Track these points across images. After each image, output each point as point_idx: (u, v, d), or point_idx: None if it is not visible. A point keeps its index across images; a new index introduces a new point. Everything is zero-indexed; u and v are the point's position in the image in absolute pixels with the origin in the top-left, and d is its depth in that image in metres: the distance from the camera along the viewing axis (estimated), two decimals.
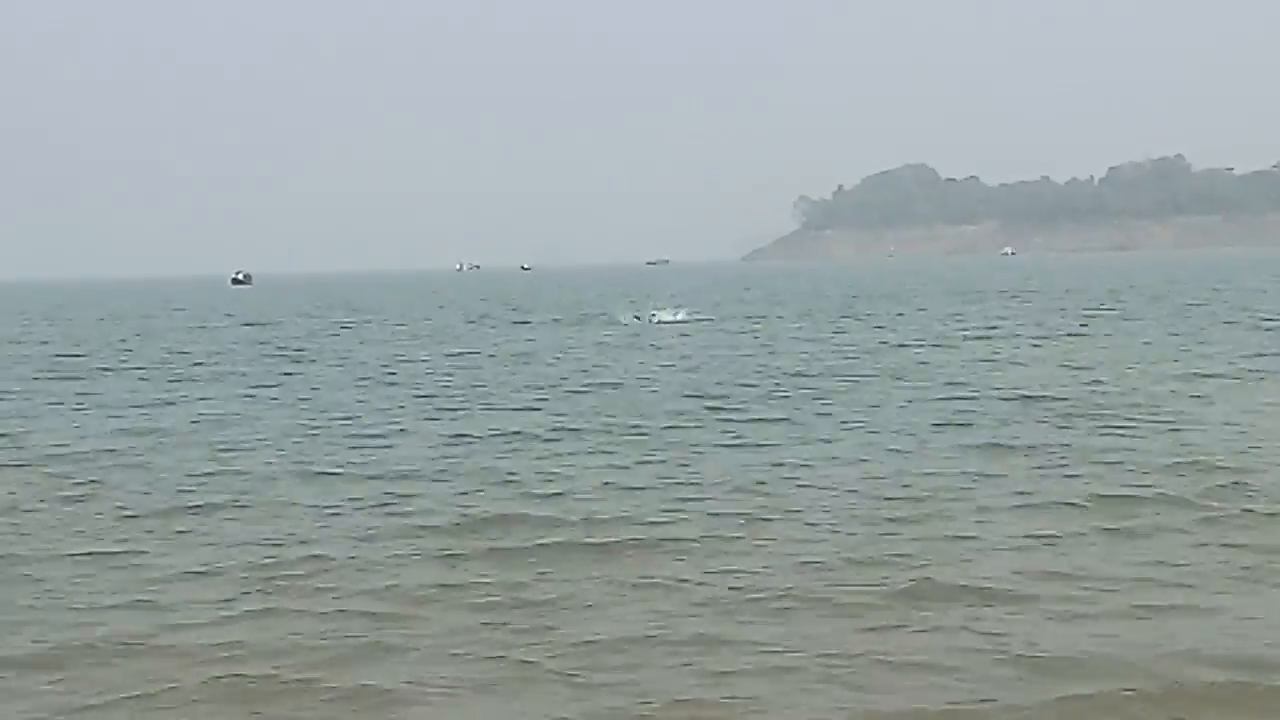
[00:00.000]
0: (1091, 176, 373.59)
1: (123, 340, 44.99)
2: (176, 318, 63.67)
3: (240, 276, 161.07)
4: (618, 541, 10.95)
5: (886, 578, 9.64)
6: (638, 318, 48.21)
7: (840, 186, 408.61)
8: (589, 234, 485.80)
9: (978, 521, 11.43)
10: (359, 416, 20.14)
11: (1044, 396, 20.19)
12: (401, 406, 21.53)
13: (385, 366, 30.11)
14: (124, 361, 33.89)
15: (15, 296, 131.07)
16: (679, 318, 46.61)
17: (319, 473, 14.82)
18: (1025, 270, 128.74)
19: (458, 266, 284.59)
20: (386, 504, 12.89)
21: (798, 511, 12.00)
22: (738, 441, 16.45)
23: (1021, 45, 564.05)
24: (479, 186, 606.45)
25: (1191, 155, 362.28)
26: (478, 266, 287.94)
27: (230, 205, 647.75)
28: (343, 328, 50.76)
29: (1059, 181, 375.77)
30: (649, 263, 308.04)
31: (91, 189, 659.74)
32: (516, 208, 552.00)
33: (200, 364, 32.03)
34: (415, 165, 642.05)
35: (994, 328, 38.37)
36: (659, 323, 45.65)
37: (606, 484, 13.64)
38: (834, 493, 12.88)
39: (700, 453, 15.55)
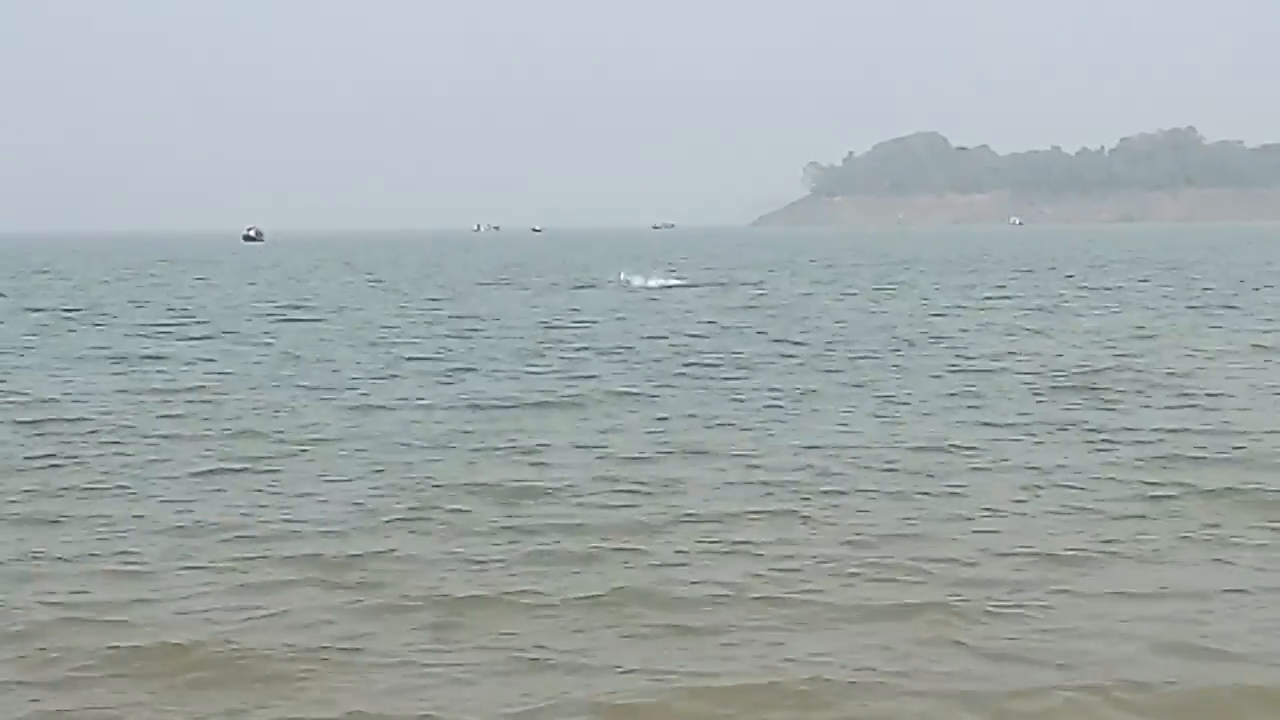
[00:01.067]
0: (1102, 147, 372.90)
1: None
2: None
3: (252, 233, 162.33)
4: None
5: None
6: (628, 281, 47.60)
7: (851, 153, 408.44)
8: (599, 197, 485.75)
9: None
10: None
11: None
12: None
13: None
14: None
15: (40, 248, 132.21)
16: (663, 283, 45.87)
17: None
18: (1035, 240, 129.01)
19: (476, 227, 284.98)
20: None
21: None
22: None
23: (1035, 14, 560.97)
24: (492, 142, 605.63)
25: (1204, 127, 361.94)
26: (497, 228, 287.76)
27: (244, 159, 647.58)
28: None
29: (1070, 152, 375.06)
30: (654, 227, 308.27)
31: (109, 141, 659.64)
32: (528, 170, 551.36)
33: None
34: (428, 124, 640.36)
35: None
36: (640, 287, 44.88)
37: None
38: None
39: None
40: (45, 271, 67.23)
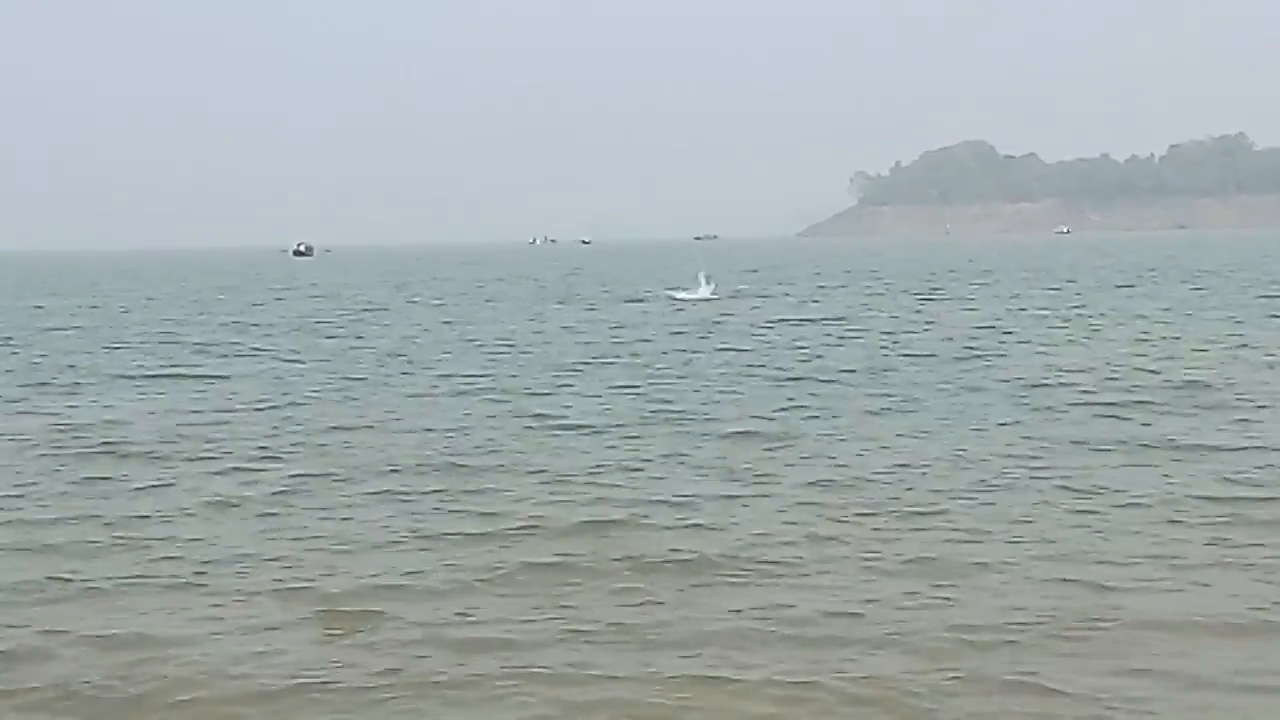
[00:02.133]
0: (1152, 154, 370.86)
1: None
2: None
3: (301, 248, 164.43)
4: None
5: None
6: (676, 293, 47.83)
7: (898, 162, 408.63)
8: (648, 209, 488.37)
9: None
10: None
11: None
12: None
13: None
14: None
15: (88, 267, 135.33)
16: (707, 295, 46.24)
17: None
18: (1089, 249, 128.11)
19: (532, 240, 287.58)
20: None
21: None
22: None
23: (1082, 21, 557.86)
24: (539, 157, 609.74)
25: (1254, 133, 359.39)
26: (554, 240, 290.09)
27: (294, 175, 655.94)
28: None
29: (1119, 159, 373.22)
30: (696, 238, 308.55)
31: (153, 162, 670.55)
32: (575, 183, 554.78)
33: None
34: (477, 139, 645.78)
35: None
36: (686, 299, 45.33)
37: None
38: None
39: None
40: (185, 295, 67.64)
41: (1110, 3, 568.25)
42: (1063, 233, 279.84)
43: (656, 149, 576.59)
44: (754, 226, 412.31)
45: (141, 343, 32.41)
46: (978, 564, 10.09)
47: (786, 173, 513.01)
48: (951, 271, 75.23)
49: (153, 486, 13.56)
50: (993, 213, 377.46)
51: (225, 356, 28.43)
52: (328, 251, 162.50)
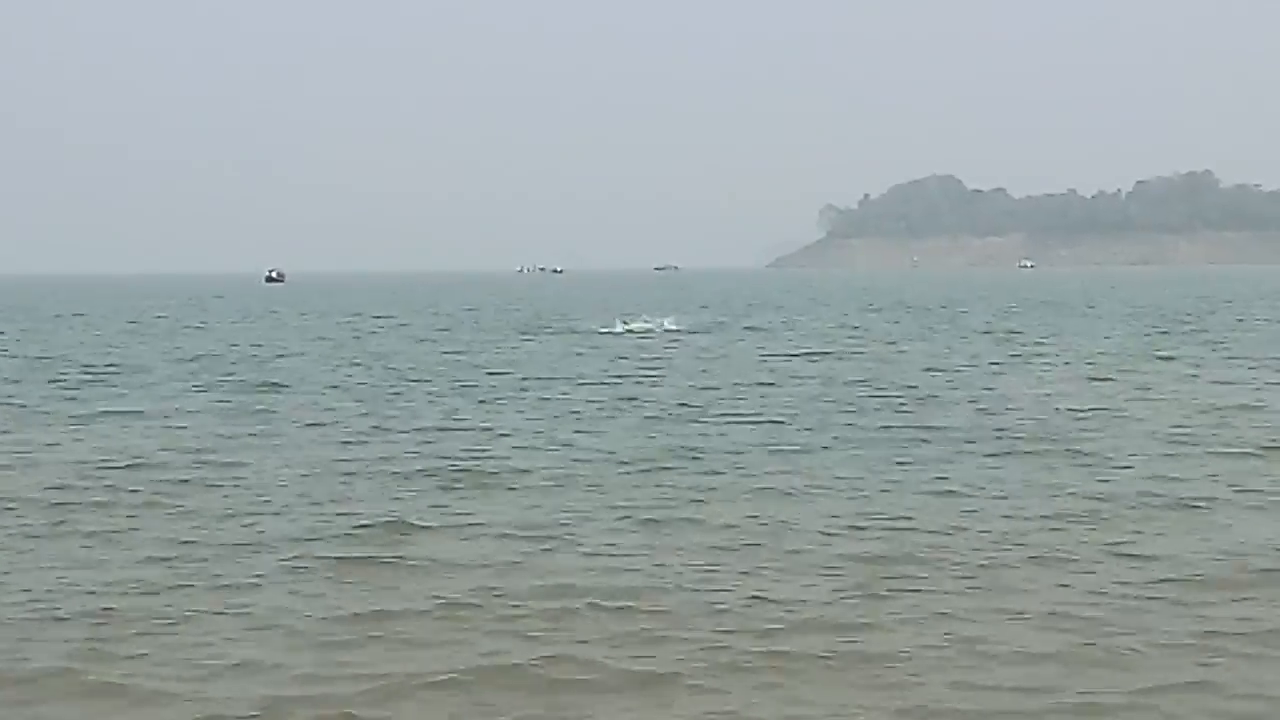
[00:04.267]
0: (1119, 190, 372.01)
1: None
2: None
3: (274, 275, 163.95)
4: None
5: None
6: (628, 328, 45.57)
7: (867, 195, 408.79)
8: (617, 240, 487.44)
9: None
10: None
11: None
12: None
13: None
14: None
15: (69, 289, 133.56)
16: (663, 327, 45.12)
17: None
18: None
19: (519, 268, 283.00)
20: None
21: None
22: None
23: (1050, 58, 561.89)
24: (512, 191, 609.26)
25: (1220, 171, 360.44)
26: (543, 269, 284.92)
27: (269, 205, 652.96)
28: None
29: (1086, 195, 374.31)
30: (656, 268, 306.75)
31: (135, 185, 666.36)
32: (548, 214, 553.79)
33: None
34: (467, 168, 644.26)
35: None
36: (628, 332, 43.79)
37: None
38: None
39: None
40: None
41: (1078, 41, 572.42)
42: (1026, 266, 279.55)
43: (626, 180, 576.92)
44: (723, 258, 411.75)
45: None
46: None
47: (756, 205, 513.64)
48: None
49: None
50: (961, 246, 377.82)
51: None
52: (281, 281, 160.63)
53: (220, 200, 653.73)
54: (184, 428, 19.25)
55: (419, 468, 15.36)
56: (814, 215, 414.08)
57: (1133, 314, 54.81)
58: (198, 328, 51.26)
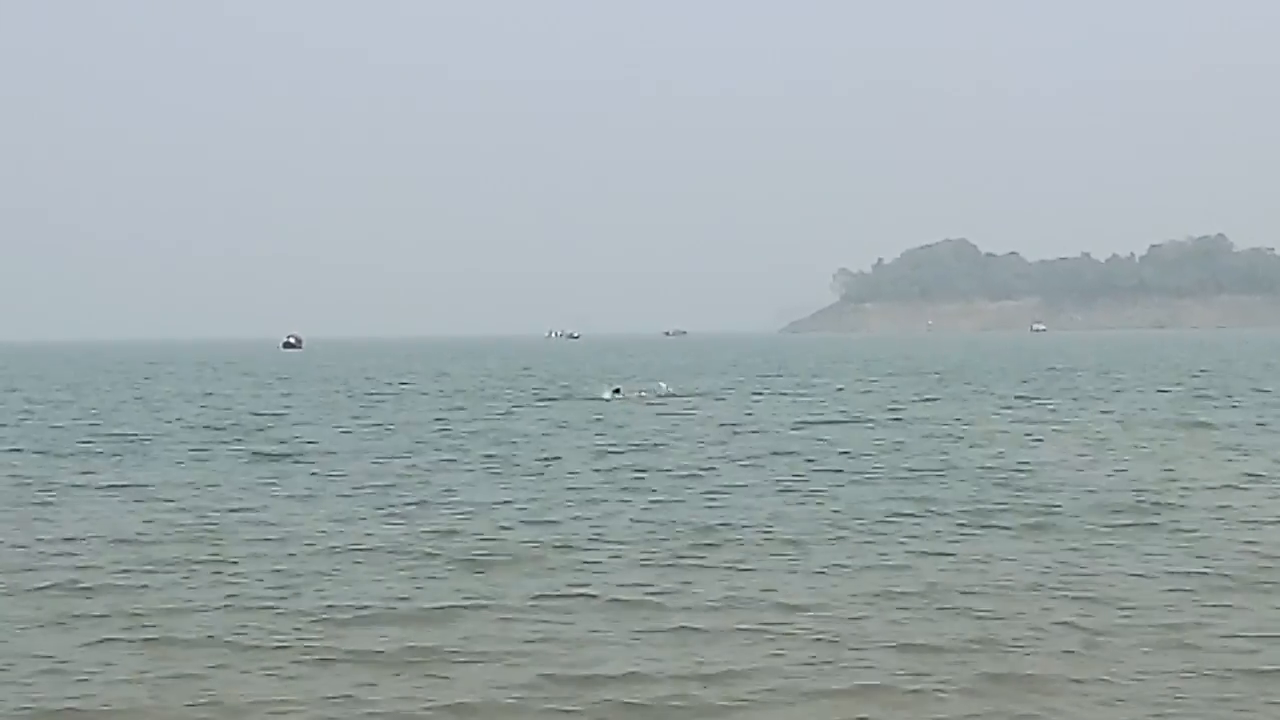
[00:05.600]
0: (1133, 254, 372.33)
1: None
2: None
3: (291, 340, 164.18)
4: None
5: None
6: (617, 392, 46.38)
7: (880, 260, 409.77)
8: (632, 305, 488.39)
9: None
10: None
11: None
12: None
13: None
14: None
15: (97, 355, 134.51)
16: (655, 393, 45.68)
17: None
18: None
19: (548, 334, 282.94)
20: None
21: None
22: None
23: (1062, 121, 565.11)
24: (530, 263, 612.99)
25: (1233, 235, 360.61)
26: (574, 336, 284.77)
27: (276, 279, 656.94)
28: None
29: (1100, 259, 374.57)
30: (666, 333, 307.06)
31: (151, 252, 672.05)
32: (564, 282, 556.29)
33: None
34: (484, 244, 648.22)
35: None
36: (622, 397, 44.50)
37: None
38: None
39: None
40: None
41: (1089, 104, 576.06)
42: (1039, 330, 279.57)
43: (639, 251, 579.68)
44: (738, 322, 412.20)
45: None
46: None
47: (770, 269, 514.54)
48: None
49: None
50: (975, 310, 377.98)
51: None
52: (298, 347, 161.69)
53: (243, 271, 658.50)
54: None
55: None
56: (827, 279, 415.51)
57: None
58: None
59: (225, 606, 12.11)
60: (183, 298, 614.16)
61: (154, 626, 11.31)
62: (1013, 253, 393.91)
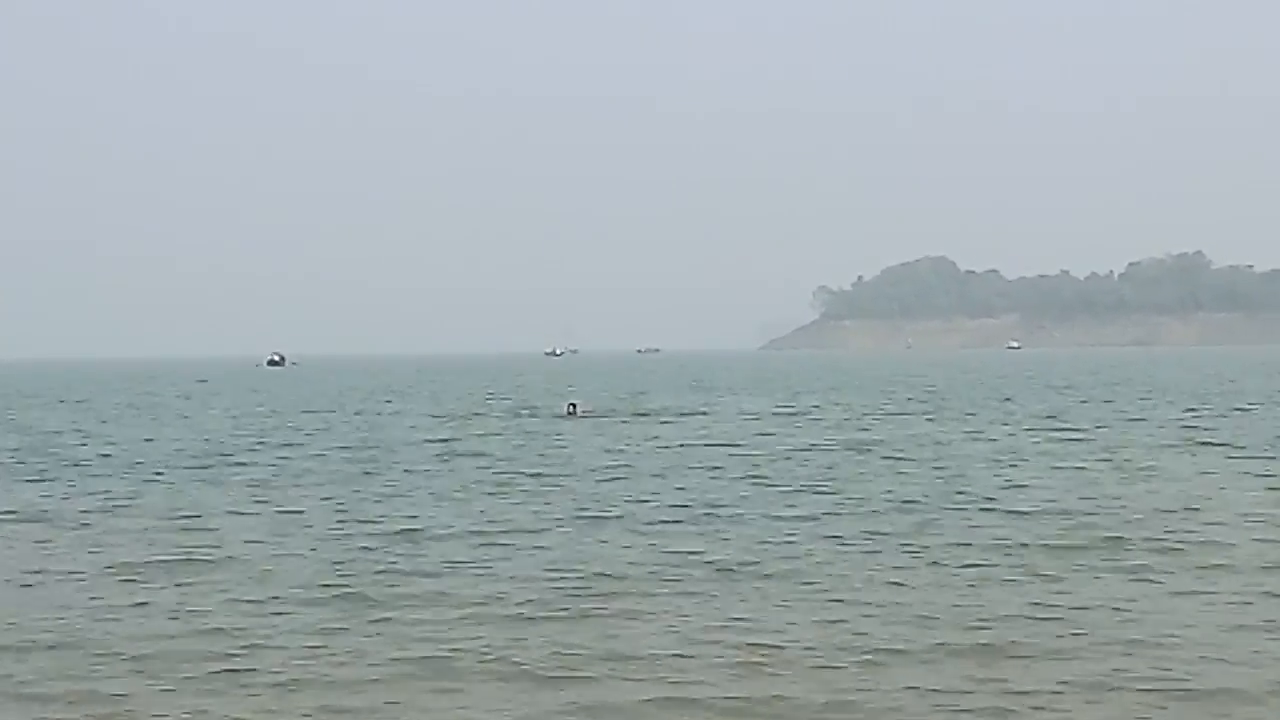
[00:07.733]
0: (1111, 271, 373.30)
1: None
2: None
3: (276, 358, 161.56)
4: None
5: None
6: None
7: (860, 277, 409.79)
8: (611, 323, 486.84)
9: None
10: None
11: None
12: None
13: None
14: None
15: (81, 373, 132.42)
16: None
17: None
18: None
19: (550, 350, 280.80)
20: None
21: None
22: None
23: (1042, 138, 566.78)
24: (511, 281, 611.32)
25: (1212, 252, 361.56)
26: (576, 350, 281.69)
27: (266, 294, 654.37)
28: None
29: (1079, 276, 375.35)
30: (639, 351, 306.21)
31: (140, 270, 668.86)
32: (547, 298, 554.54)
33: None
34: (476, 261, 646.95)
35: None
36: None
37: None
38: None
39: None
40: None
41: (1071, 122, 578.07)
42: (1014, 348, 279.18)
43: (620, 268, 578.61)
44: (718, 339, 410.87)
45: None
46: None
47: (751, 286, 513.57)
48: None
49: None
50: (955, 327, 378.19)
51: None
52: (295, 364, 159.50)
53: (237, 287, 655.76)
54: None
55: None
56: (807, 296, 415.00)
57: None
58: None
59: None
60: (172, 315, 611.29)
61: None
62: (992, 270, 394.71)
